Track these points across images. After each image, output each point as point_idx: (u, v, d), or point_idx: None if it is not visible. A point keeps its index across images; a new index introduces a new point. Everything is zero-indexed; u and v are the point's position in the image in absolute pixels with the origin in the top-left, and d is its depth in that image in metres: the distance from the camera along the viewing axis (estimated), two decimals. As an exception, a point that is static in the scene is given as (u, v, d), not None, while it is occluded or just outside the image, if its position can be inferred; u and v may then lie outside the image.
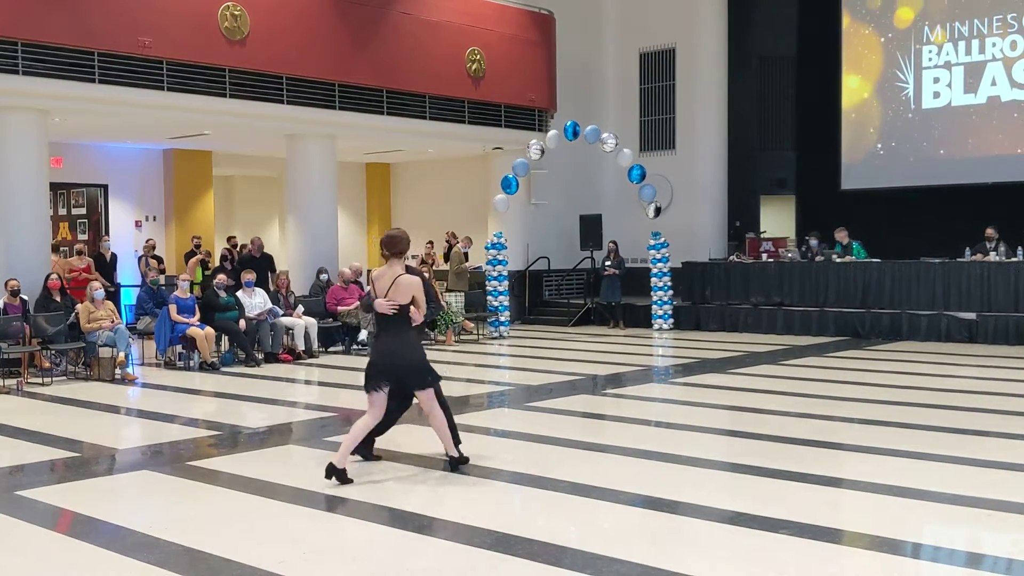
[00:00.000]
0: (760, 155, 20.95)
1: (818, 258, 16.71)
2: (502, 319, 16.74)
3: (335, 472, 6.50)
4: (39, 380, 11.63)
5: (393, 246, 6.92)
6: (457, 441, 7.07)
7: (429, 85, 17.04)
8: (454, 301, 16.41)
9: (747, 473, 6.84)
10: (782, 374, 11.88)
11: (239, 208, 23.37)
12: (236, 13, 14.33)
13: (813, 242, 17.01)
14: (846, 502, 6.27)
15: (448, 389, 11.06)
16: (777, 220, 20.83)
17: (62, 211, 18.44)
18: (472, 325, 16.43)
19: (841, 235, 16.72)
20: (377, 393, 6.68)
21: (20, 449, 8.14)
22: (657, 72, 20.96)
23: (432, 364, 6.99)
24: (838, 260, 16.45)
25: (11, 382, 11.31)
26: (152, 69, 13.64)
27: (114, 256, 16.27)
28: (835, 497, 6.34)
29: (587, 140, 16.85)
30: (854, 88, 19.58)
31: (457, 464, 6.95)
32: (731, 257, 18.12)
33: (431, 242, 18.95)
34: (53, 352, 12.04)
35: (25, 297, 12.26)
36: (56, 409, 10.07)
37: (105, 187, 18.12)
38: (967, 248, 15.55)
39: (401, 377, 6.73)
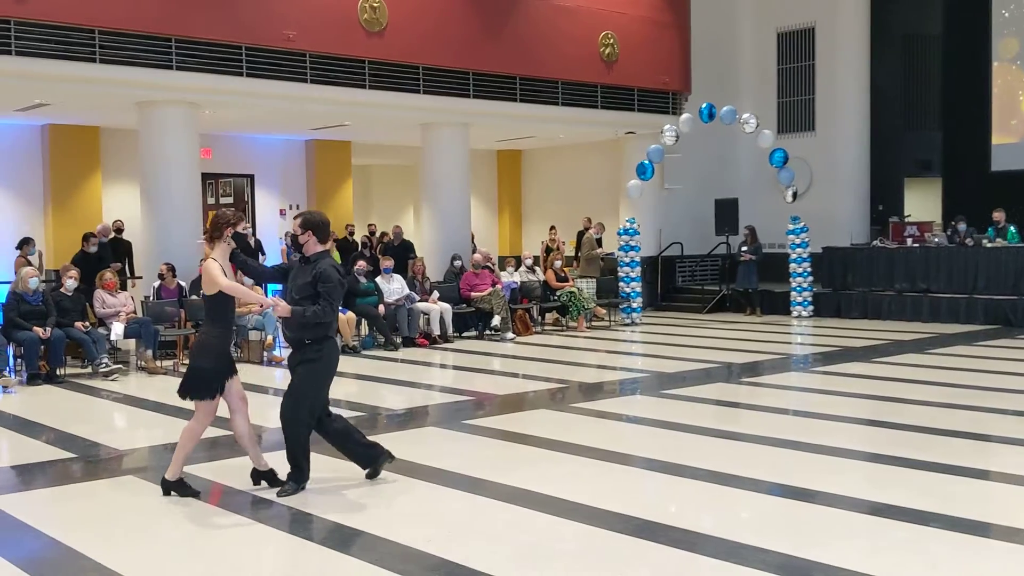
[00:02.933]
0: (904, 136, 20.19)
1: (967, 242, 16.02)
2: (634, 305, 16.67)
3: (171, 487, 6.11)
4: (193, 361, 12.20)
5: (213, 229, 6.10)
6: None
7: (562, 71, 17.07)
8: (585, 287, 16.43)
9: (892, 464, 6.66)
10: (928, 363, 11.48)
11: (376, 196, 23.95)
12: (375, 5, 14.66)
13: (961, 226, 16.33)
14: (997, 495, 6.05)
15: (580, 375, 11.20)
16: (922, 203, 20.07)
17: (211, 200, 19.26)
18: (604, 311, 16.42)
19: (998, 215, 15.99)
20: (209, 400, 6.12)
21: (177, 427, 8.57)
22: (796, 52, 20.42)
23: (215, 375, 6.07)
24: (988, 245, 15.75)
25: (168, 363, 11.92)
26: (296, 62, 14.10)
27: (258, 242, 16.90)
28: (986, 490, 6.13)
29: (723, 121, 16.57)
30: (1004, 64, 18.64)
31: (171, 488, 6.13)
32: (874, 242, 17.55)
33: (554, 227, 18.96)
34: (206, 335, 12.60)
35: (183, 283, 12.91)
36: (209, 389, 10.55)
37: (251, 177, 18.83)
38: None
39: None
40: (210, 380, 6.06)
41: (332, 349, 6.18)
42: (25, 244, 13.75)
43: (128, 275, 15.08)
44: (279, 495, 6.05)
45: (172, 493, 6.11)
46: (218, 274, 5.96)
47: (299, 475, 6.16)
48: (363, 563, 4.91)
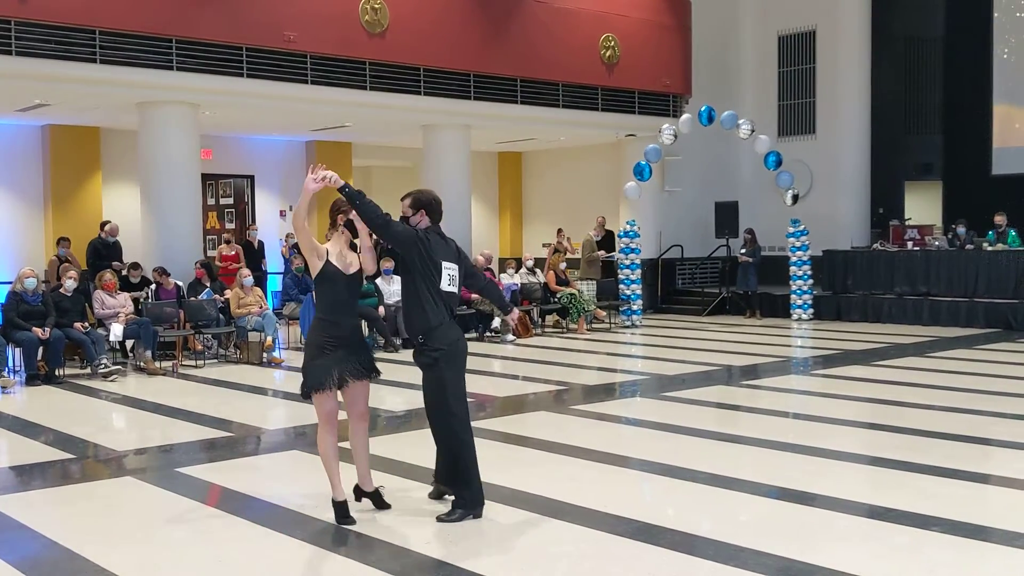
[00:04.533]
0: (905, 139, 20.19)
1: (968, 246, 16.02)
2: (634, 308, 16.65)
3: (337, 508, 5.54)
4: (192, 363, 12.21)
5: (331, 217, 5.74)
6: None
7: (563, 73, 17.07)
8: (586, 289, 16.42)
9: (891, 467, 6.65)
10: (928, 367, 11.47)
11: (377, 198, 23.82)
12: (376, 6, 14.65)
13: (960, 229, 16.32)
14: (997, 499, 6.03)
15: (581, 377, 11.18)
16: (922, 207, 20.06)
17: (211, 201, 19.25)
18: (604, 314, 16.41)
19: (1000, 218, 16.02)
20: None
21: (176, 428, 8.58)
22: (797, 55, 20.43)
23: (314, 367, 5.43)
24: (989, 248, 15.74)
25: (167, 364, 11.91)
26: (296, 63, 14.09)
27: (261, 244, 16.92)
28: (986, 494, 6.11)
29: (723, 126, 16.56)
30: (1007, 67, 18.63)
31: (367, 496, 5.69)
32: (874, 245, 17.55)
33: (561, 230, 18.89)
34: (206, 336, 12.61)
35: (180, 283, 12.91)
36: (208, 390, 10.57)
37: (251, 178, 18.82)
38: None
39: None
40: (308, 376, 5.44)
41: (452, 346, 5.47)
42: (60, 243, 13.81)
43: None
44: (440, 519, 5.44)
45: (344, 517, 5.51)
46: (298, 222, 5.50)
47: (467, 496, 5.50)
48: (361, 564, 4.90)
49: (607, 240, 18.10)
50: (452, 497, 5.63)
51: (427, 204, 5.66)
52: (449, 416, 5.54)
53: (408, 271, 5.54)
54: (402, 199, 5.80)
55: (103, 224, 14.84)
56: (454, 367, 5.50)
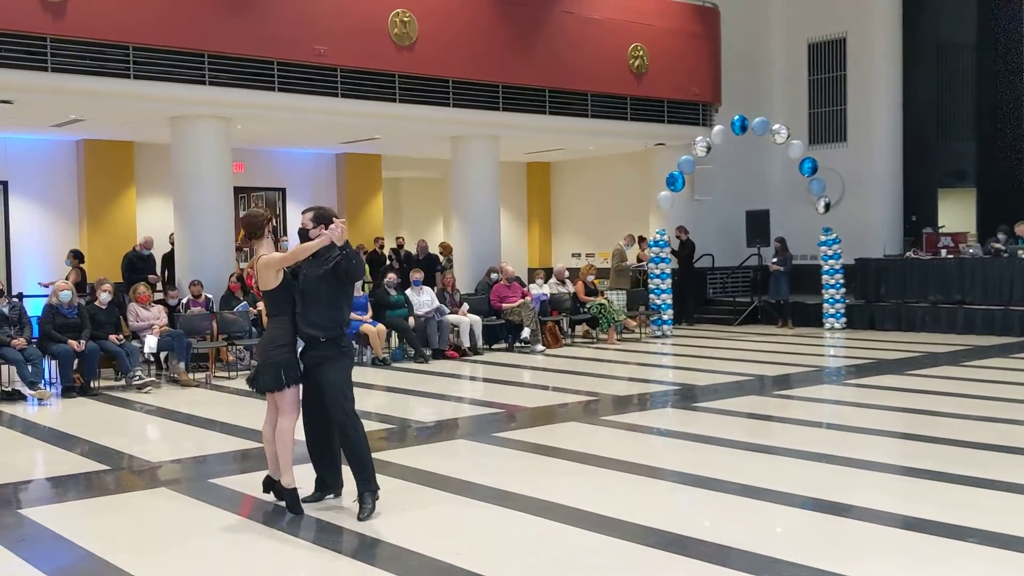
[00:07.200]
0: (938, 146, 19.99)
1: (1003, 254, 15.82)
2: (665, 318, 16.59)
3: (275, 489, 6.17)
4: (225, 374, 12.30)
5: (253, 229, 6.13)
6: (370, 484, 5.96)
7: (591, 83, 17.07)
8: (615, 299, 16.37)
9: (925, 478, 6.58)
10: (963, 376, 11.33)
11: (406, 209, 24.05)
12: (405, 20, 14.74)
13: (1000, 236, 16.10)
14: (1036, 511, 5.95)
15: (611, 388, 11.15)
16: (956, 214, 19.85)
17: (243, 213, 19.41)
18: (634, 324, 16.36)
19: (1021, 229, 15.80)
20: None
21: (209, 439, 8.64)
22: (827, 62, 20.31)
23: (287, 364, 6.00)
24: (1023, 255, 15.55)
25: (200, 376, 12.01)
26: (327, 76, 14.19)
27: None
28: (1021, 504, 6.00)
29: (755, 132, 16.50)
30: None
31: (272, 489, 6.22)
32: (907, 253, 17.38)
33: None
34: (238, 348, 12.71)
35: (210, 296, 13.03)
36: (241, 401, 10.62)
37: (283, 190, 18.98)
38: None
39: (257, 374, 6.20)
40: (282, 369, 5.99)
41: (349, 344, 6.22)
42: (72, 256, 14.03)
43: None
44: (362, 518, 5.76)
45: (270, 493, 6.24)
46: (277, 256, 5.99)
47: (371, 483, 5.90)
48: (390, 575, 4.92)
49: (686, 248, 17.97)
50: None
51: (328, 220, 6.03)
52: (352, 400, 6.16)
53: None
54: (304, 212, 6.23)
55: (171, 236, 15.09)
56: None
